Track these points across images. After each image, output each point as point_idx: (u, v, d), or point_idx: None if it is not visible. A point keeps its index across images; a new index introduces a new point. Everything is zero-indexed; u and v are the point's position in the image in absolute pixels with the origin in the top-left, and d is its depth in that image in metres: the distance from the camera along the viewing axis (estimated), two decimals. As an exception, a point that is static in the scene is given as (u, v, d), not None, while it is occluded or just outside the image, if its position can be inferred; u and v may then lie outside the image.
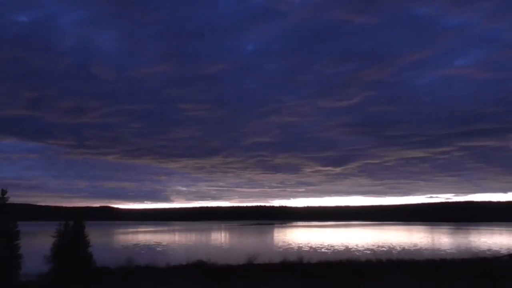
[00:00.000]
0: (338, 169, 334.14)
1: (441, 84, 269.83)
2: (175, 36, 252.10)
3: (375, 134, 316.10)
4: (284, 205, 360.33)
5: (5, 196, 26.21)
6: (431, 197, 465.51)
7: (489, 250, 55.62)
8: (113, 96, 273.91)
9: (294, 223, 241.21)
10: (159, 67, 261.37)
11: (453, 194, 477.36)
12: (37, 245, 49.37)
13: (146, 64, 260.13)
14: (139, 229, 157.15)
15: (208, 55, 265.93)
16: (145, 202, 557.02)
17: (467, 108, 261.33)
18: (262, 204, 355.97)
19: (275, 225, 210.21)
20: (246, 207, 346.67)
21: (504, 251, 49.57)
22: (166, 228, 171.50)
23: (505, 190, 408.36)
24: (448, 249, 59.43)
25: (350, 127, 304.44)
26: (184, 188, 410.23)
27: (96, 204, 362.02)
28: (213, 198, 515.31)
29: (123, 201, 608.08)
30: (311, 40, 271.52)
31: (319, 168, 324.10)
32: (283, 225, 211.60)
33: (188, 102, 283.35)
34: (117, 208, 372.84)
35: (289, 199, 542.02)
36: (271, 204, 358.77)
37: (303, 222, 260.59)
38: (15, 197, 29.28)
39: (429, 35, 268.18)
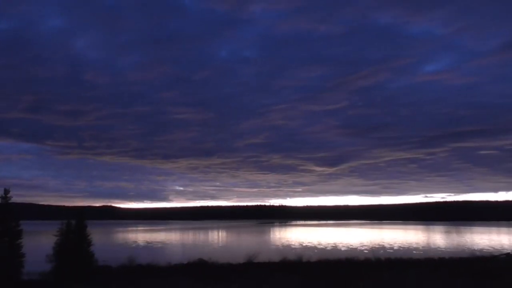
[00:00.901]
0: (332, 169, 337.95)
1: (415, 88, 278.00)
2: (153, 43, 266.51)
3: (365, 136, 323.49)
4: (281, 204, 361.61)
5: (7, 195, 26.21)
6: (426, 196, 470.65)
7: (486, 249, 55.63)
8: (105, 100, 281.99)
9: (293, 222, 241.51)
10: (145, 73, 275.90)
11: (446, 194, 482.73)
12: (39, 244, 49.29)
13: (133, 69, 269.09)
14: (140, 228, 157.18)
15: (190, 60, 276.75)
16: (145, 201, 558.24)
17: (445, 111, 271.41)
18: (260, 203, 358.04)
19: (274, 224, 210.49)
20: (244, 206, 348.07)
21: (501, 250, 49.58)
22: (166, 227, 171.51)
23: (495, 190, 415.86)
24: (446, 248, 59.43)
25: (340, 128, 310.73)
26: (181, 188, 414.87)
27: (97, 203, 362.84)
28: (211, 197, 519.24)
29: (123, 201, 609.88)
30: (281, 47, 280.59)
31: (314, 168, 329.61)
32: (282, 224, 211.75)
33: (178, 105, 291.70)
34: (118, 208, 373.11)
35: (286, 198, 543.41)
36: (268, 204, 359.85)
37: (301, 221, 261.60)
38: (17, 197, 29.36)
39: (393, 42, 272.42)
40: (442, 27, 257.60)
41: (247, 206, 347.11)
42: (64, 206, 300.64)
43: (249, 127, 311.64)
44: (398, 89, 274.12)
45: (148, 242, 77.56)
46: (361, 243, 69.14)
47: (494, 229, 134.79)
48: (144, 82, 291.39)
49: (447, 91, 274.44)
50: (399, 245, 66.28)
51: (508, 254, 38.29)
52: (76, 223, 28.46)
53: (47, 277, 26.26)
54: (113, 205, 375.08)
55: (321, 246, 63.98)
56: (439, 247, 61.66)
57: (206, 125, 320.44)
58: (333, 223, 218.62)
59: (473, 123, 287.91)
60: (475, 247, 59.03)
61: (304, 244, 68.50)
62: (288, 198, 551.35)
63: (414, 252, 51.74)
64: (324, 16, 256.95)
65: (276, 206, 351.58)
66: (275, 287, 17.98)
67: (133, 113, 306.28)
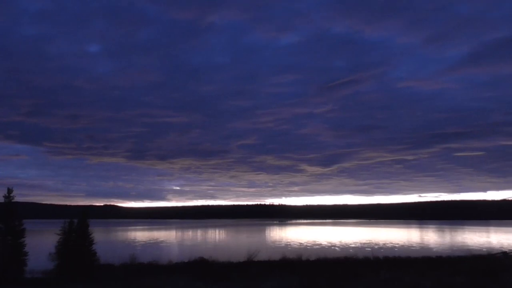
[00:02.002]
0: (324, 170, 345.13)
1: (389, 94, 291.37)
2: (126, 51, 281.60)
3: (353, 138, 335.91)
4: (277, 203, 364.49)
5: (10, 195, 26.18)
6: (420, 196, 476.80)
7: (482, 248, 55.64)
8: (99, 105, 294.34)
9: (290, 221, 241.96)
10: (124, 79, 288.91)
11: (437, 194, 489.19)
12: (42, 242, 49.27)
13: (112, 76, 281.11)
14: (141, 227, 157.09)
15: (165, 67, 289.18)
16: (144, 201, 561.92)
17: (419, 114, 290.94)
18: (256, 202, 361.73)
19: (272, 223, 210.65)
20: (241, 205, 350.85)
21: (497, 249, 49.57)
22: (166, 226, 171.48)
23: (484, 190, 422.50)
24: (443, 247, 59.44)
25: (330, 131, 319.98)
26: (178, 188, 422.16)
27: (96, 203, 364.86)
28: (207, 197, 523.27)
29: (123, 200, 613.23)
30: (251, 54, 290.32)
31: (307, 168, 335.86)
32: (281, 223, 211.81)
33: (164, 109, 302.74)
34: (120, 207, 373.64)
35: (281, 197, 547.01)
36: (263, 203, 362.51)
37: (298, 220, 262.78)
38: (20, 196, 29.35)
39: (355, 50, 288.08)
40: (400, 36, 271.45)
41: (243, 205, 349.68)
42: (66, 205, 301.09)
43: (238, 129, 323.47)
44: (372, 94, 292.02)
45: (149, 241, 77.54)
46: (358, 242, 69.13)
47: (485, 228, 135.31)
48: (124, 88, 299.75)
49: (418, 96, 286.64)
50: (396, 243, 66.27)
51: (505, 253, 38.30)
52: (78, 222, 28.43)
53: (49, 275, 26.24)
54: (115, 204, 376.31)
55: (320, 245, 63.94)
56: (436, 246, 61.65)
57: (193, 127, 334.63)
58: (329, 222, 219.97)
59: (451, 126, 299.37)
60: (472, 246, 59.04)
61: (302, 243, 68.48)
62: (283, 198, 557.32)
63: (412, 250, 51.71)
64: (282, 26, 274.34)
65: (272, 205, 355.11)
66: (275, 286, 17.95)
67: (123, 117, 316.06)
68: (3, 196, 25.98)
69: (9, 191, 26.12)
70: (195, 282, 19.89)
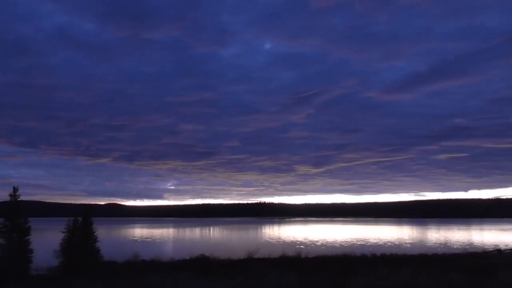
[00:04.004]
0: (315, 170, 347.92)
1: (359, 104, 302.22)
2: None
3: (339, 141, 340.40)
4: (270, 202, 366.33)
5: (16, 193, 26.16)
6: (417, 194, 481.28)
7: (476, 245, 55.68)
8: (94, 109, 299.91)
9: (288, 219, 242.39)
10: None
11: (415, 193, 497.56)
12: (46, 240, 49.22)
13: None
14: (143, 225, 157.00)
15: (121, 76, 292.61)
16: (144, 200, 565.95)
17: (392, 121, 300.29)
18: (251, 201, 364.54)
19: (270, 220, 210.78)
20: (238, 204, 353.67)
21: (489, 247, 49.60)
22: (167, 224, 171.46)
23: (465, 189, 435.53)
24: (437, 245, 59.46)
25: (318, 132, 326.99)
26: (174, 187, 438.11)
27: (101, 201, 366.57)
28: (204, 196, 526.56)
29: (122, 199, 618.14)
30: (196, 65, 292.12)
31: (298, 168, 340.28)
32: (280, 221, 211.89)
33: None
34: (122, 205, 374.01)
35: (274, 196, 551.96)
36: (257, 201, 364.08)
37: (293, 218, 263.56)
38: (25, 195, 29.35)
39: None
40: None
41: (240, 204, 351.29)
42: (70, 204, 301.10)
43: (228, 131, 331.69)
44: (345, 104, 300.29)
45: (151, 239, 77.50)
46: (354, 240, 69.20)
47: (470, 226, 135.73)
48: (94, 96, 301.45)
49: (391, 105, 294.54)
50: (392, 241, 66.35)
51: (499, 250, 38.32)
52: (82, 220, 28.42)
53: (54, 272, 26.21)
54: (118, 203, 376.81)
55: (317, 242, 63.97)
56: (430, 244, 61.67)
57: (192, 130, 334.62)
58: (320, 220, 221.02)
59: (423, 130, 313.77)
60: (465, 244, 59.06)
61: (300, 241, 68.49)
62: (276, 197, 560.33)
63: (407, 248, 51.70)
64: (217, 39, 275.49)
65: (267, 204, 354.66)
66: (274, 282, 17.93)
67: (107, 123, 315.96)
68: (9, 195, 25.98)
69: (15, 189, 26.10)
70: (196, 279, 19.87)
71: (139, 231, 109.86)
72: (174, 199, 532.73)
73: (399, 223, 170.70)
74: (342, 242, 65.18)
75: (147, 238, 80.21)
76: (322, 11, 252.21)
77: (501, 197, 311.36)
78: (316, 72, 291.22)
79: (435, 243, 62.48)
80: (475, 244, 58.96)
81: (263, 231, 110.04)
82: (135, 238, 79.02)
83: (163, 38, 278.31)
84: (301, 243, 63.56)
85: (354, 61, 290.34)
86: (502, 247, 44.11)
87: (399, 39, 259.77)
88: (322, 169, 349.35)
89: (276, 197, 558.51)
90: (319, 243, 62.60)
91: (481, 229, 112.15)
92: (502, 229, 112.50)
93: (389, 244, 61.05)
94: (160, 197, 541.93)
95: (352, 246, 56.08)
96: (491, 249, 41.81)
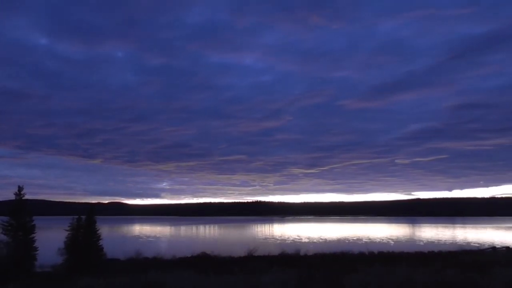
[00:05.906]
0: (308, 171, 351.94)
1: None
2: None
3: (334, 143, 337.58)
4: (270, 201, 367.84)
5: (21, 192, 26.18)
6: (410, 193, 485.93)
7: (471, 243, 55.70)
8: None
9: (287, 218, 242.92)
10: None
11: (406, 193, 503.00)
12: (50, 238, 49.19)
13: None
14: (145, 224, 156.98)
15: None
16: (144, 199, 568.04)
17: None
18: (248, 200, 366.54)
19: (268, 219, 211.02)
20: (236, 203, 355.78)
21: (484, 244, 49.65)
22: (168, 222, 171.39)
23: (449, 189, 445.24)
24: (433, 242, 59.48)
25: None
26: (169, 187, 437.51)
27: (104, 200, 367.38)
28: (200, 196, 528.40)
29: (122, 198, 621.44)
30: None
31: (292, 169, 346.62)
32: (279, 220, 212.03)
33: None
34: (125, 204, 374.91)
35: (268, 196, 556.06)
36: (253, 200, 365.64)
37: (291, 217, 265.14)
38: (30, 194, 29.28)
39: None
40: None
41: (237, 203, 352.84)
42: (74, 202, 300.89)
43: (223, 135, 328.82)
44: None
45: (153, 237, 77.47)
46: (351, 237, 69.23)
47: (466, 224, 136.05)
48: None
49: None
50: (388, 239, 66.39)
51: (494, 248, 38.38)
52: (86, 219, 28.44)
53: (58, 269, 26.22)
54: (120, 201, 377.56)
55: (315, 240, 64.00)
56: (426, 241, 61.70)
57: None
58: (316, 218, 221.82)
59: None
60: (460, 242, 59.10)
61: (299, 239, 68.51)
62: (270, 196, 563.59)
63: (404, 245, 51.67)
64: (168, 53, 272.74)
65: (264, 203, 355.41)
66: (274, 279, 17.94)
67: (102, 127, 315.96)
68: (14, 194, 26.00)
69: (20, 189, 26.14)
70: (198, 276, 19.87)
71: (141, 229, 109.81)
72: (171, 198, 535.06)
73: (392, 221, 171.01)
74: (340, 239, 65.19)
75: (149, 236, 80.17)
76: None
77: (496, 196, 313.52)
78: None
79: (430, 241, 62.52)
80: (470, 242, 58.97)
81: (261, 229, 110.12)
82: (137, 236, 78.98)
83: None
84: (300, 241, 63.59)
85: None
86: (497, 245, 44.15)
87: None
88: (314, 170, 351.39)
89: (270, 196, 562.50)
90: (316, 241, 62.62)
91: (476, 228, 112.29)
92: (496, 227, 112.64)
93: (385, 241, 61.11)
94: (158, 196, 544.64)
95: (349, 243, 56.08)
96: (486, 247, 41.86)
